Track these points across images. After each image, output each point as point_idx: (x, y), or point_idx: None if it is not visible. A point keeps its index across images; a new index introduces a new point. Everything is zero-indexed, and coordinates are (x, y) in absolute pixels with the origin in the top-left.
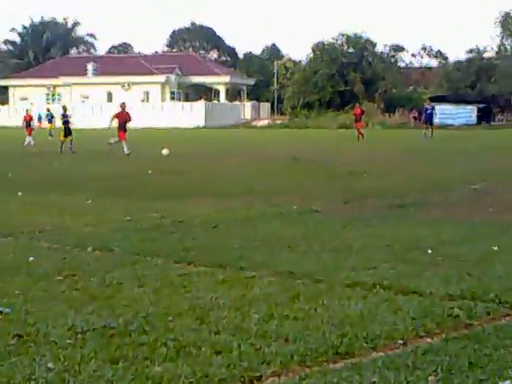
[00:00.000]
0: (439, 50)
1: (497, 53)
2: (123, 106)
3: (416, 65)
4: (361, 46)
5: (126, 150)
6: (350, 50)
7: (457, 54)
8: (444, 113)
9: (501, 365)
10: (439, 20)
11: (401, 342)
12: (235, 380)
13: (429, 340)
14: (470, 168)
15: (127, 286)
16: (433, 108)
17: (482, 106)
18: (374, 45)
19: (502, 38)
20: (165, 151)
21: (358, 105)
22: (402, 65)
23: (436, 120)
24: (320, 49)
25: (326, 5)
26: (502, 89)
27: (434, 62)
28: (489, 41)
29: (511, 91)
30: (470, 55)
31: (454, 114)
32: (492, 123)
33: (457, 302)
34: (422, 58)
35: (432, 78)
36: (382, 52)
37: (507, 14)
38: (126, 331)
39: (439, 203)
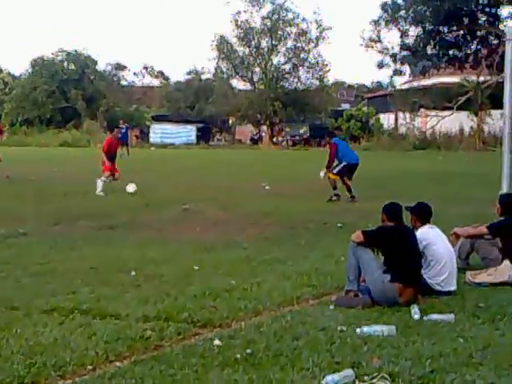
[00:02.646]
0: (161, 70)
1: (214, 74)
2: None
3: (138, 84)
4: (81, 63)
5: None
6: (71, 67)
7: (177, 74)
8: (165, 132)
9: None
10: (160, 41)
11: (90, 367)
12: None
13: (118, 364)
14: (183, 187)
15: None
16: (127, 128)
17: (201, 125)
18: (95, 62)
19: (218, 60)
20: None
21: None
22: (125, 83)
23: (157, 139)
24: (39, 64)
25: (46, 20)
26: (219, 109)
27: (155, 82)
28: (206, 63)
29: (227, 112)
30: (190, 76)
31: (175, 134)
32: (211, 143)
33: (151, 324)
34: (144, 77)
35: (154, 97)
36: (104, 70)
37: (222, 37)
38: None
39: (149, 223)
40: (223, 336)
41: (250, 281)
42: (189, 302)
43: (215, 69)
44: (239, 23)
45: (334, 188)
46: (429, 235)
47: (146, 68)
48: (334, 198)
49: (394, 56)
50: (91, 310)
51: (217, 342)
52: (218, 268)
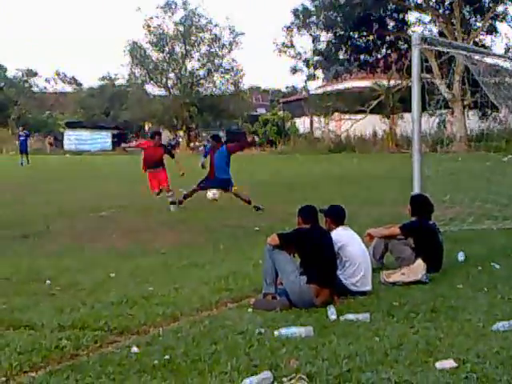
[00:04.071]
0: (73, 76)
1: (128, 80)
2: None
3: (51, 90)
4: None
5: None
6: None
7: (90, 80)
8: (80, 138)
9: None
10: (72, 46)
11: (4, 379)
12: None
13: (33, 374)
14: (98, 195)
15: None
16: (27, 135)
17: (116, 131)
18: (4, 69)
19: (132, 66)
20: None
21: None
22: (36, 90)
23: (72, 146)
24: None
25: None
26: (134, 115)
27: (68, 88)
28: (120, 69)
29: (143, 118)
30: (103, 82)
31: (90, 140)
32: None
33: (66, 333)
34: (56, 83)
35: (68, 103)
36: (14, 77)
37: (135, 43)
38: None
39: (64, 232)
40: (141, 343)
41: (168, 287)
42: (105, 309)
43: (129, 75)
44: (152, 29)
45: (248, 202)
46: (343, 237)
47: (58, 74)
48: (260, 209)
49: (306, 61)
50: (4, 321)
51: (134, 349)
52: (135, 275)
